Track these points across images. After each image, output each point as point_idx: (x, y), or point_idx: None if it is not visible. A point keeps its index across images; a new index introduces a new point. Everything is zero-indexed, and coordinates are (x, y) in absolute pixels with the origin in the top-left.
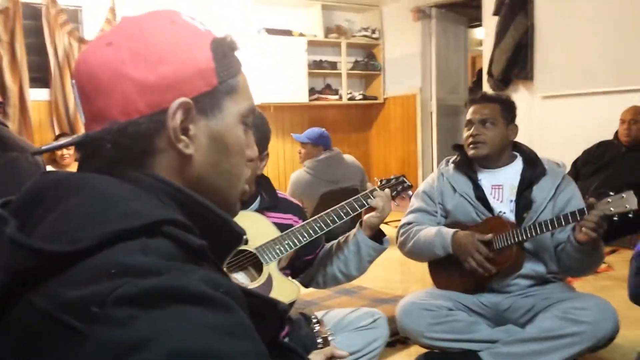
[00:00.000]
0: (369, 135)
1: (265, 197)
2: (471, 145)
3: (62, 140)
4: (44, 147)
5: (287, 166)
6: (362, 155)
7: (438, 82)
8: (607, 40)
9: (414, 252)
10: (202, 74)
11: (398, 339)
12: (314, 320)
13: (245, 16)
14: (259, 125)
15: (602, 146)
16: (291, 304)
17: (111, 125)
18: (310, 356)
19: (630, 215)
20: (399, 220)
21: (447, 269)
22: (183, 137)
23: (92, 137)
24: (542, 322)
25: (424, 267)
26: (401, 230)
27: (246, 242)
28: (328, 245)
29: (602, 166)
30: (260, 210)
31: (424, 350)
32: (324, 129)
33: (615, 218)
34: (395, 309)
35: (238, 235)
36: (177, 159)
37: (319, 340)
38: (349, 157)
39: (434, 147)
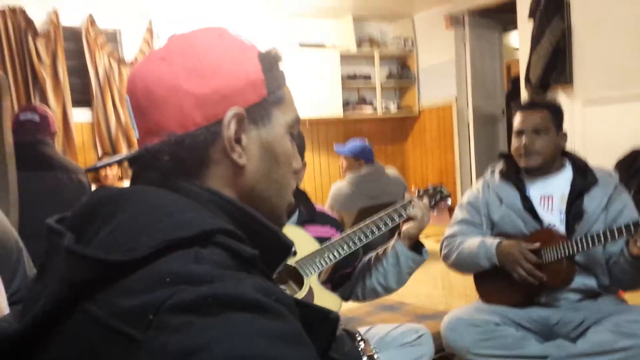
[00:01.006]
0: (405, 146)
1: (304, 211)
2: (524, 156)
3: (108, 159)
4: (98, 164)
5: (323, 181)
6: (399, 167)
7: (474, 90)
8: None
9: (458, 265)
10: (253, 85)
11: (443, 356)
12: (359, 338)
13: (280, 30)
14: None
15: (634, 154)
16: None
17: (169, 137)
18: None
19: None
20: (440, 234)
21: (493, 282)
22: (237, 147)
23: (150, 150)
24: (594, 336)
25: (466, 280)
26: (445, 242)
27: (295, 254)
28: (366, 257)
29: (635, 173)
30: (300, 223)
31: None
32: (366, 142)
33: None
34: (440, 325)
35: (287, 247)
36: (231, 169)
37: (364, 359)
38: (391, 172)
39: (472, 157)
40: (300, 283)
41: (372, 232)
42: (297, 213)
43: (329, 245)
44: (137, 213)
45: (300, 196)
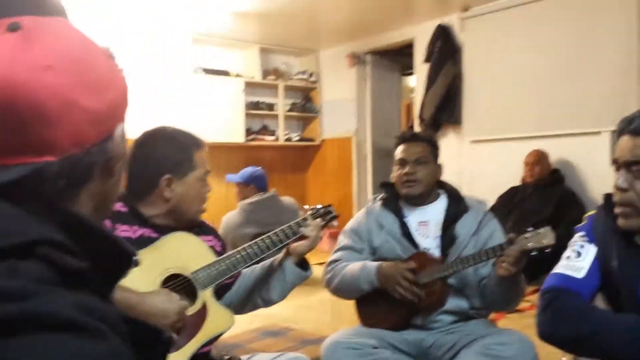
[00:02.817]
0: (306, 176)
1: None
2: (406, 184)
3: None
4: None
5: (220, 206)
6: (298, 196)
7: (373, 125)
8: (530, 89)
9: (340, 289)
10: (125, 99)
11: None
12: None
13: (183, 55)
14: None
15: (511, 190)
16: (216, 338)
17: (63, 156)
18: None
19: (547, 251)
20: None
21: (372, 306)
22: (118, 162)
23: (41, 170)
24: (465, 358)
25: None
26: (328, 268)
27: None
28: (248, 270)
29: (512, 208)
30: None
31: None
32: (259, 168)
33: (533, 253)
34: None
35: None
36: (106, 183)
37: None
38: (287, 200)
39: (369, 189)
40: (194, 296)
41: (269, 247)
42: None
43: (226, 257)
44: None
45: None
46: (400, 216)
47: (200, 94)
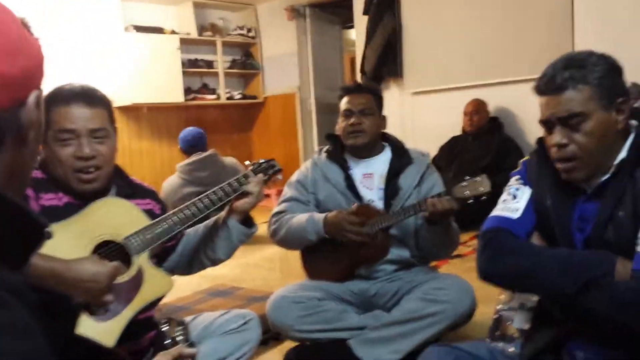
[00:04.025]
0: (251, 135)
1: (122, 185)
2: (352, 134)
3: None
4: None
5: (165, 170)
6: (244, 155)
7: (316, 80)
8: (468, 39)
9: (286, 240)
10: (41, 67)
11: (271, 336)
12: (162, 322)
13: (112, 13)
14: None
15: (452, 140)
16: (155, 302)
17: None
18: (157, 357)
19: (484, 198)
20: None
21: (317, 260)
22: (31, 131)
23: None
24: (406, 305)
25: None
26: (273, 219)
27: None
28: (191, 230)
29: (454, 158)
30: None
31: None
32: (192, 129)
33: (470, 201)
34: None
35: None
36: (19, 153)
37: (167, 341)
38: (229, 160)
39: (315, 145)
40: (129, 262)
41: (208, 206)
42: (114, 188)
43: (160, 220)
44: None
45: (115, 171)
46: (345, 168)
47: (133, 52)
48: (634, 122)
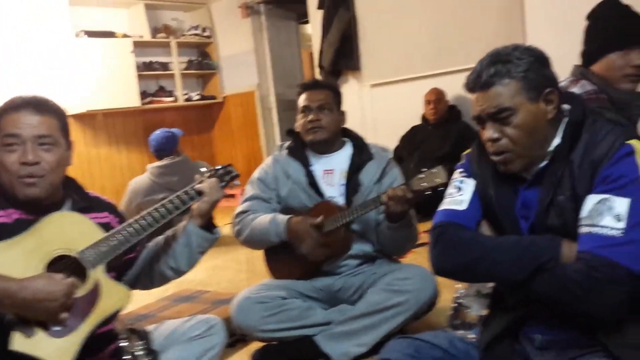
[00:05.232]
0: (212, 136)
1: (77, 199)
2: (311, 130)
3: None
4: None
5: (125, 176)
6: (206, 156)
7: (275, 77)
8: (423, 29)
9: (250, 241)
10: None
11: (238, 338)
12: (123, 336)
13: (61, 19)
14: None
15: (413, 130)
16: (113, 316)
17: None
18: None
19: (440, 189)
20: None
21: (281, 259)
22: None
23: None
24: (371, 297)
25: None
26: (236, 220)
27: None
28: (152, 242)
29: (415, 148)
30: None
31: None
32: (160, 132)
33: (428, 193)
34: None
35: None
36: None
37: (127, 357)
38: (200, 164)
39: (277, 142)
40: (85, 276)
41: (163, 215)
42: (69, 202)
43: (116, 232)
44: None
45: (70, 184)
46: (306, 165)
47: (85, 58)
48: (566, 107)
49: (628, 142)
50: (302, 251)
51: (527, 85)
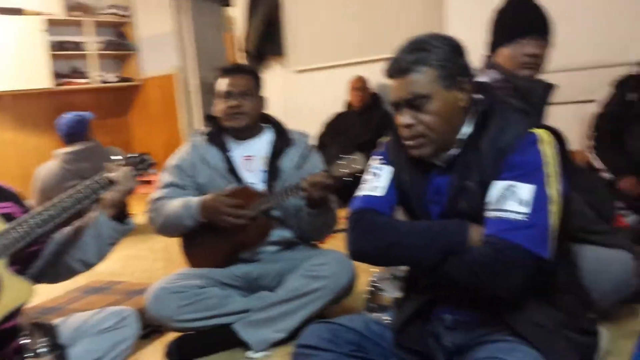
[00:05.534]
0: (128, 119)
1: None
2: (232, 116)
3: None
4: None
5: (32, 161)
6: (122, 141)
7: (198, 61)
8: (348, 16)
9: (164, 228)
10: None
11: (153, 329)
12: (24, 334)
13: None
14: None
15: (337, 117)
16: (15, 312)
17: None
18: None
19: (359, 175)
20: None
21: (198, 247)
22: None
23: None
24: (290, 283)
25: None
26: (151, 206)
27: None
28: (59, 233)
29: (338, 134)
30: None
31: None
32: (71, 116)
33: (347, 179)
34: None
35: None
36: None
37: (29, 354)
38: (113, 150)
39: (199, 127)
40: None
41: (71, 206)
42: None
43: (18, 223)
44: None
45: None
46: (224, 151)
47: None
48: (478, 96)
49: (533, 131)
50: (224, 224)
51: (443, 73)
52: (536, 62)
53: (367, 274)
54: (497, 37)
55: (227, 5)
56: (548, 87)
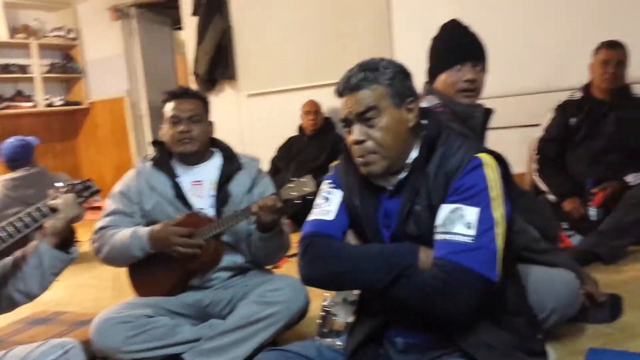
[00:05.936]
0: (77, 143)
1: None
2: (182, 142)
3: None
4: None
5: None
6: (69, 166)
7: (148, 84)
8: (299, 41)
9: (111, 258)
10: None
11: None
12: None
13: None
14: None
15: (290, 141)
16: None
17: None
18: None
19: (310, 197)
20: None
21: (146, 275)
22: None
23: None
24: (242, 310)
25: None
26: (95, 236)
27: None
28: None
29: (292, 158)
30: None
31: None
32: (14, 141)
33: (297, 201)
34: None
35: None
36: None
37: None
38: (60, 176)
39: (149, 151)
40: None
41: (11, 235)
42: None
43: None
44: None
45: None
46: (172, 176)
47: None
48: (424, 122)
49: (477, 155)
50: (176, 254)
51: (392, 91)
52: (475, 87)
53: (319, 299)
54: (435, 64)
55: (179, 28)
56: (487, 112)
